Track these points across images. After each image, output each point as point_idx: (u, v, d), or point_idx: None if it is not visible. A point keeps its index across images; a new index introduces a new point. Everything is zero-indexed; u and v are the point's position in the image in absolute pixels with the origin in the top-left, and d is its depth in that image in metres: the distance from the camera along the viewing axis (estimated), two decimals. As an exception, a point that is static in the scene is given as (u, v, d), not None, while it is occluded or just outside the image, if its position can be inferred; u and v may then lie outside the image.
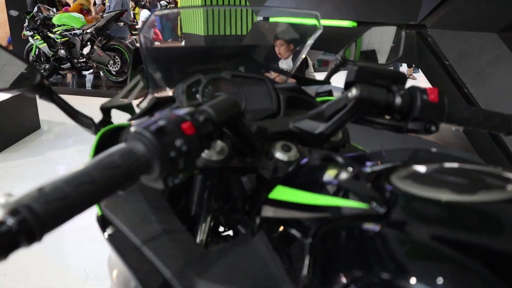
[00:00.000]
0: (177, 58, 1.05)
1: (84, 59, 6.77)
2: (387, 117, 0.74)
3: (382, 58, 1.15)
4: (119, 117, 0.93)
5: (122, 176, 0.46)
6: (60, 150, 4.06)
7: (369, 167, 0.58)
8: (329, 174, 0.60)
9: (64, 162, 3.81)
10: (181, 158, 0.53)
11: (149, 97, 0.93)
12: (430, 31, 2.49)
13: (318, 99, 1.03)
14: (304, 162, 0.67)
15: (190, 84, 0.90)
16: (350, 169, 0.57)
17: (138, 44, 0.88)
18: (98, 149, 0.81)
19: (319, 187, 0.59)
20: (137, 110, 0.91)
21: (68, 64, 6.91)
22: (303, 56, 1.15)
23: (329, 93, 1.11)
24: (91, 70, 7.44)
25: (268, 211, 0.67)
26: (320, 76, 1.26)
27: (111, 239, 0.71)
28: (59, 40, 6.79)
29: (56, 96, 0.88)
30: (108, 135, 0.84)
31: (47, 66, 6.98)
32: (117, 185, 0.46)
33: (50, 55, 6.89)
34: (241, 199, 0.82)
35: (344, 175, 0.57)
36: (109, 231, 0.73)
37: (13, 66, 0.83)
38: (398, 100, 0.71)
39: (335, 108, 0.75)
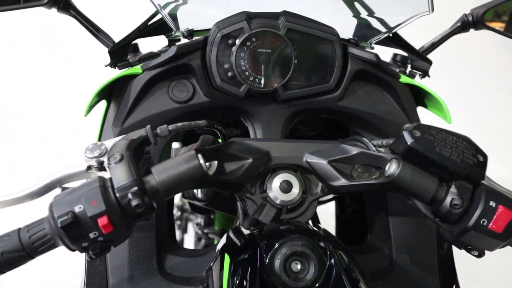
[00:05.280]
0: None
1: None
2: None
3: None
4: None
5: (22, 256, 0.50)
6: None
7: None
8: None
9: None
10: (96, 244, 0.50)
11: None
12: None
13: (404, 80, 0.78)
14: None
15: (227, 34, 0.72)
16: None
17: None
18: (106, 91, 0.76)
19: None
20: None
21: None
22: None
23: (425, 73, 0.86)
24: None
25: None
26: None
27: None
28: None
29: (74, 9, 0.84)
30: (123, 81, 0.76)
31: None
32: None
33: None
34: None
35: None
36: None
37: None
38: (445, 205, 0.54)
39: (367, 168, 0.64)
